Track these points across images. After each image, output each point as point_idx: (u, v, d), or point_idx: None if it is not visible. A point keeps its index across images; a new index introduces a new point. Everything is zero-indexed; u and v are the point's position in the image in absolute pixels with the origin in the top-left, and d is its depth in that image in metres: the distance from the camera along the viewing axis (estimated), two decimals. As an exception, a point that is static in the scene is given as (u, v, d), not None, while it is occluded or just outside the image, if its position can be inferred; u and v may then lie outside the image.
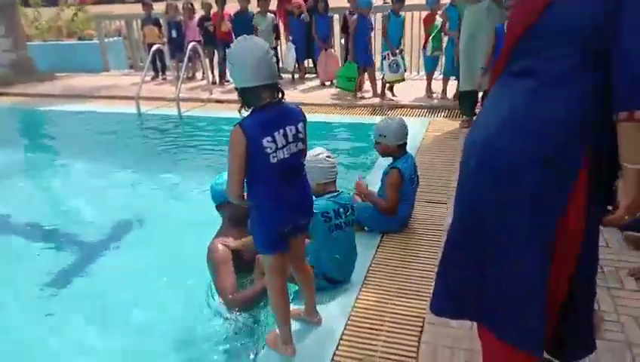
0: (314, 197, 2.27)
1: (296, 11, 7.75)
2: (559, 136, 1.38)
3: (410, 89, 7.06)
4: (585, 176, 1.38)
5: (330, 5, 7.73)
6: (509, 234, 1.49)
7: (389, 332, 2.35)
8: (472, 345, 2.12)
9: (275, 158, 1.89)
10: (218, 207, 3.06)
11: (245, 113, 1.91)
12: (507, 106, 1.48)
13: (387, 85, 6.82)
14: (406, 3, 6.68)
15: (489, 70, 4.71)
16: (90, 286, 3.22)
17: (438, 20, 6.46)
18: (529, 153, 1.41)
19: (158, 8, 9.35)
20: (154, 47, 8.29)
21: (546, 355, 1.68)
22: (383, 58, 6.60)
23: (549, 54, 1.40)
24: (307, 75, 8.47)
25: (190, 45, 7.66)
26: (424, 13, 7.03)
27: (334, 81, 7.38)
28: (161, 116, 7.03)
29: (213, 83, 8.34)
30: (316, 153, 2.69)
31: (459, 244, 1.64)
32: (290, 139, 1.92)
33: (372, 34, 7.09)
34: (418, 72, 8.13)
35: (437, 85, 6.80)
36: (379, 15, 7.46)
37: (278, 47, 8.29)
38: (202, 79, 8.72)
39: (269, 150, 1.87)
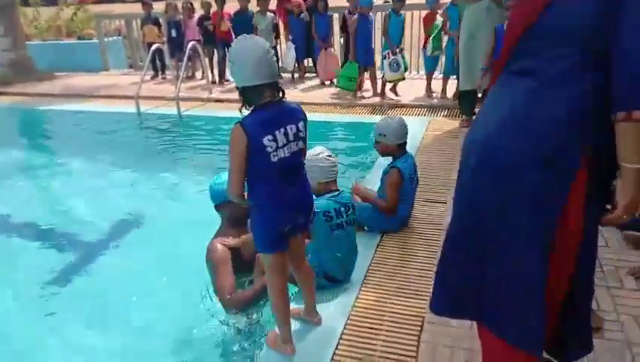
0: (314, 196, 2.27)
1: (296, 10, 7.75)
2: (559, 136, 1.38)
3: (410, 88, 7.06)
4: (583, 177, 1.38)
5: (330, 4, 7.72)
6: (509, 233, 1.49)
7: (388, 331, 2.35)
8: (472, 345, 2.12)
9: (276, 157, 1.89)
10: (217, 207, 3.05)
11: (246, 112, 1.91)
12: (507, 105, 1.48)
13: (390, 85, 6.81)
14: (406, 2, 6.68)
15: (489, 70, 4.71)
16: (89, 286, 3.22)
17: (439, 20, 6.45)
18: (529, 152, 1.41)
19: (158, 7, 9.34)
20: (153, 47, 8.29)
21: (545, 355, 1.69)
22: (384, 57, 6.60)
23: (549, 54, 1.40)
24: (307, 75, 8.46)
25: (190, 44, 7.65)
26: (424, 13, 7.03)
27: (334, 81, 7.38)
28: (160, 115, 7.03)
29: (213, 82, 8.34)
30: (316, 152, 2.69)
31: (458, 244, 1.64)
32: (291, 137, 1.92)
33: (373, 33, 7.08)
34: (418, 72, 8.13)
35: (437, 84, 6.81)
36: (379, 14, 7.46)
37: (278, 47, 8.29)
38: (202, 78, 8.72)
39: (269, 149, 1.87)
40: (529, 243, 1.46)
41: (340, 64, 7.47)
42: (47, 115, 7.65)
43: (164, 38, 8.89)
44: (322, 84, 7.87)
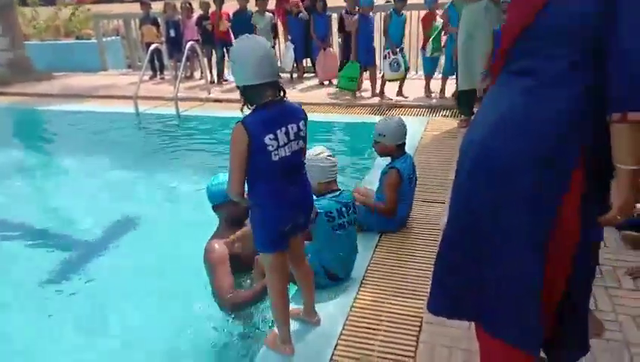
0: (315, 196, 2.27)
1: (294, 10, 7.75)
2: (559, 136, 1.38)
3: (409, 88, 7.06)
4: (579, 177, 1.38)
5: (329, 4, 7.73)
6: (502, 236, 1.49)
7: (386, 331, 2.35)
8: (470, 345, 2.12)
9: (277, 156, 1.89)
10: (215, 208, 3.05)
11: (247, 111, 1.92)
12: (507, 105, 1.48)
13: (397, 88, 6.80)
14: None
15: (489, 75, 4.70)
16: (88, 286, 3.21)
17: (438, 21, 6.44)
18: (528, 152, 1.41)
19: (157, 7, 9.32)
20: (152, 47, 8.25)
21: (542, 354, 1.69)
22: (384, 57, 6.60)
23: (548, 54, 1.40)
24: (306, 75, 8.46)
25: (188, 44, 7.64)
26: (422, 13, 7.02)
27: (334, 81, 7.37)
28: (159, 115, 7.02)
29: (212, 82, 8.33)
30: (316, 152, 2.69)
31: (456, 244, 1.64)
32: (292, 137, 1.93)
33: (373, 33, 7.07)
34: (417, 72, 8.13)
35: (435, 84, 6.81)
36: (379, 14, 7.46)
37: (276, 47, 8.28)
38: (200, 78, 8.71)
39: (270, 148, 1.87)
40: (523, 244, 1.46)
41: (338, 64, 7.46)
42: (45, 115, 7.63)
43: (163, 38, 8.88)
44: (321, 84, 7.87)
